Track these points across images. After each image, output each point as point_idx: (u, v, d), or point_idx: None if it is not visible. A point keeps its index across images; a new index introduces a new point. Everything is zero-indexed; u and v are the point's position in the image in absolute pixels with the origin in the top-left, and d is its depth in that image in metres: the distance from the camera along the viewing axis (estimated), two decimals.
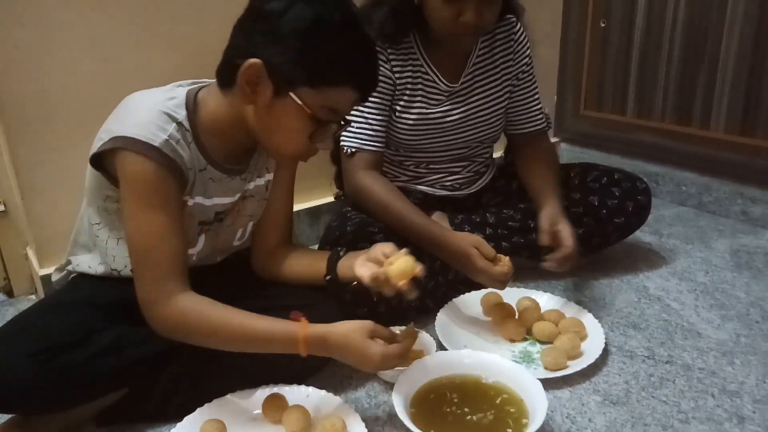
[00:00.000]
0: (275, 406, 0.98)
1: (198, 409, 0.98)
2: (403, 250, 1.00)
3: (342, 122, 0.99)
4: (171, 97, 0.97)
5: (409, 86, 1.37)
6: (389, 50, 1.33)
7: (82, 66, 1.35)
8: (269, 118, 0.94)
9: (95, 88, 1.37)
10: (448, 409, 0.98)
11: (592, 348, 1.16)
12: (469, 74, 1.40)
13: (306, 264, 1.13)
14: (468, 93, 1.42)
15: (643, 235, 1.70)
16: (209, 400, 1.00)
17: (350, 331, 0.93)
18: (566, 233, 1.25)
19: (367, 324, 0.94)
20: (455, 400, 0.99)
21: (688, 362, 1.17)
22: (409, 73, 1.36)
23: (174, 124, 0.93)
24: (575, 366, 1.11)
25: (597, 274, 1.51)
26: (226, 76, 0.94)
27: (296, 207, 1.72)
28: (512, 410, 0.97)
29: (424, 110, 1.39)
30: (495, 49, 1.43)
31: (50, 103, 1.34)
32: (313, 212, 1.79)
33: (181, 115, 0.95)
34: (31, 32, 1.29)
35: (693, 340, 1.24)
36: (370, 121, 1.34)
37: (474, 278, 1.20)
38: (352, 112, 1.33)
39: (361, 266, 1.01)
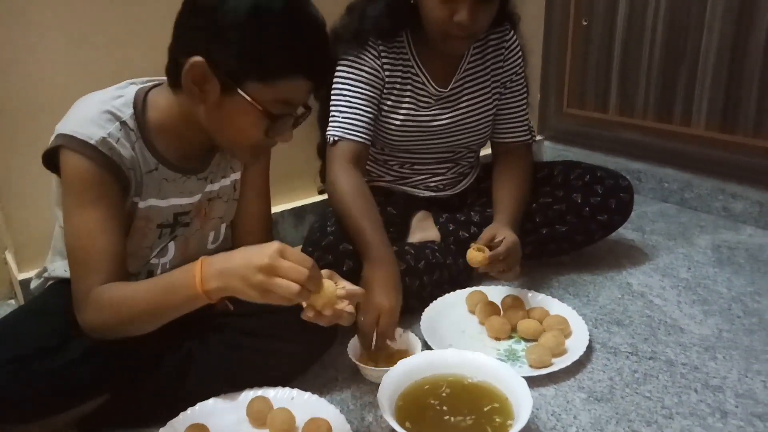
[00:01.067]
0: (260, 409, 0.97)
1: (181, 413, 0.97)
2: (325, 273, 0.91)
3: (304, 110, 0.97)
4: (118, 95, 0.95)
5: (398, 86, 1.36)
6: (381, 47, 1.33)
7: (62, 69, 1.33)
8: (221, 117, 0.91)
9: (76, 90, 1.32)
10: (433, 410, 0.98)
11: (576, 345, 1.17)
12: (459, 79, 1.40)
13: None
14: (457, 98, 1.41)
15: (626, 231, 1.71)
16: (192, 404, 0.99)
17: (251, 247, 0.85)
18: (506, 241, 1.22)
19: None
20: (441, 400, 0.99)
21: (671, 358, 1.17)
22: (399, 73, 1.36)
23: (116, 123, 0.92)
24: (560, 363, 1.12)
25: (581, 270, 1.52)
26: (173, 75, 0.92)
27: (279, 207, 1.73)
28: (498, 408, 0.97)
29: (412, 112, 1.38)
30: (486, 56, 1.42)
31: (30, 107, 1.31)
32: (297, 213, 1.78)
33: (126, 114, 0.93)
34: (11, 35, 1.26)
35: (676, 335, 1.25)
36: (357, 111, 1.32)
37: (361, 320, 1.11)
38: (339, 101, 1.33)
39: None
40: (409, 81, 1.37)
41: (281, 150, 1.17)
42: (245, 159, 1.03)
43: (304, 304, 0.87)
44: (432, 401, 0.99)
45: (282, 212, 1.74)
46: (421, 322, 1.24)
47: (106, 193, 0.91)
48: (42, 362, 0.89)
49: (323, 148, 1.42)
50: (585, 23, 2.14)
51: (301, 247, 1.42)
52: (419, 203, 1.51)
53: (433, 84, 1.38)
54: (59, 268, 1.05)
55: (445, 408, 0.98)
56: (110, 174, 0.91)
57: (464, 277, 1.44)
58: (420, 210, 1.51)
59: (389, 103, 1.37)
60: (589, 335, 1.19)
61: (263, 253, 0.81)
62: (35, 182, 1.35)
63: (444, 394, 1.01)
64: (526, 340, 1.22)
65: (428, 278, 1.34)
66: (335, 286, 0.89)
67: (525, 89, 1.49)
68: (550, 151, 2.32)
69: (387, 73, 1.34)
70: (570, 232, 1.47)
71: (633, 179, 1.96)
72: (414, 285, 1.30)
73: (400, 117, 1.38)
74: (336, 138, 1.30)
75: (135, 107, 0.95)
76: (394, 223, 1.42)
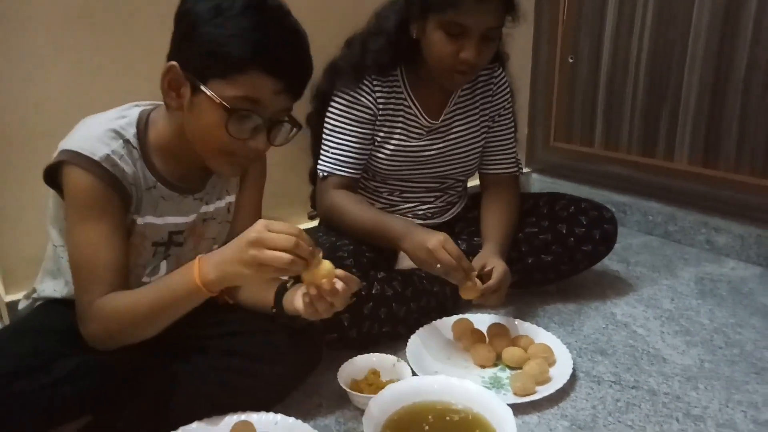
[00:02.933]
0: None
1: None
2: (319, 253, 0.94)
3: (289, 123, 0.97)
4: (122, 116, 0.99)
5: (390, 117, 1.40)
6: (375, 81, 1.36)
7: (53, 89, 1.35)
8: (192, 119, 0.93)
9: (73, 116, 1.35)
10: None
11: (560, 373, 1.18)
12: (449, 112, 1.44)
13: (258, 292, 1.10)
14: (447, 130, 1.45)
15: (611, 263, 1.73)
16: (175, 428, 0.98)
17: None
18: (496, 270, 1.25)
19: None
20: (426, 427, 0.99)
21: (653, 387, 1.18)
22: (392, 106, 1.39)
23: (120, 141, 0.95)
24: (543, 391, 1.12)
25: (566, 300, 1.54)
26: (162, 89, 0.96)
27: None
28: None
29: (403, 143, 1.42)
30: (476, 91, 1.47)
31: (20, 127, 1.33)
32: None
33: (130, 132, 0.97)
34: (8, 61, 1.29)
35: (658, 365, 1.26)
36: (347, 147, 1.37)
37: (432, 272, 1.22)
38: (330, 137, 1.36)
39: (299, 299, 0.99)
40: (401, 113, 1.40)
41: (271, 175, 1.20)
42: (222, 168, 1.00)
43: (305, 288, 0.92)
44: (418, 427, 0.99)
45: None
46: (407, 349, 1.24)
47: (109, 208, 0.93)
48: (24, 382, 0.88)
49: (314, 174, 1.45)
50: (571, 60, 2.21)
51: None
52: None
53: (425, 116, 1.41)
54: (48, 288, 1.06)
55: None
56: (113, 190, 0.93)
57: (451, 304, 1.45)
58: None
59: (381, 134, 1.40)
60: (573, 364, 1.20)
61: (250, 229, 0.86)
62: (24, 206, 1.36)
63: (430, 420, 1.01)
64: (511, 368, 1.22)
65: (415, 305, 1.35)
66: (331, 266, 0.92)
67: (512, 124, 1.53)
68: (537, 183, 2.36)
69: (381, 106, 1.38)
70: (555, 262, 1.49)
71: (618, 212, 2.00)
72: (401, 312, 1.31)
73: (391, 147, 1.41)
74: (325, 173, 1.36)
75: (138, 127, 0.98)
76: (382, 250, 1.44)
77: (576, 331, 1.40)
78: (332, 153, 1.36)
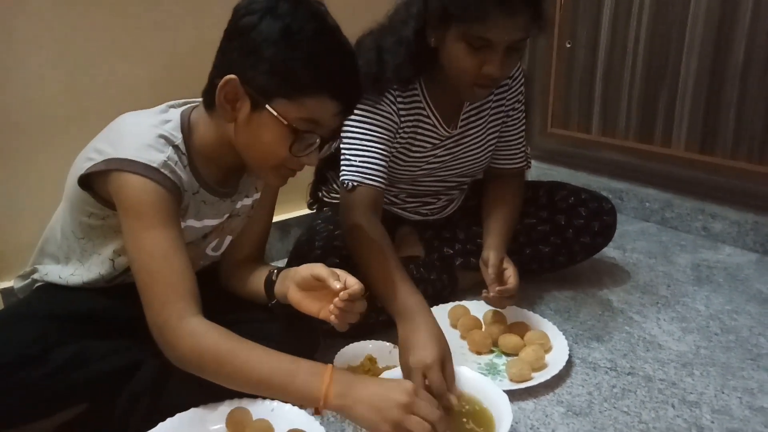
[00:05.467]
0: (239, 420, 0.97)
1: (160, 423, 0.96)
2: (325, 272, 0.95)
3: (331, 139, 0.98)
4: (166, 119, 0.97)
5: (408, 129, 1.32)
6: (396, 91, 1.27)
7: (48, 78, 1.34)
8: (249, 134, 0.93)
9: (62, 100, 1.36)
10: None
11: (556, 360, 1.18)
12: (464, 118, 1.37)
13: (256, 285, 1.10)
14: (462, 135, 1.38)
15: (607, 249, 1.72)
16: (171, 415, 0.98)
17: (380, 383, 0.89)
18: (511, 273, 1.25)
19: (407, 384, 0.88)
20: None
21: (649, 373, 1.19)
22: (412, 118, 1.31)
23: (171, 147, 0.93)
24: (539, 378, 1.13)
25: (562, 287, 1.54)
26: (210, 97, 0.94)
27: None
28: (478, 422, 0.97)
29: (420, 153, 1.36)
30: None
31: (16, 115, 1.32)
32: (283, 226, 1.79)
33: (178, 138, 0.95)
34: None
35: (654, 351, 1.26)
36: (374, 156, 1.26)
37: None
38: (355, 144, 1.27)
39: (295, 293, 1.00)
40: (420, 124, 1.33)
41: None
42: (271, 179, 1.01)
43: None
44: None
45: None
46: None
47: (173, 214, 0.92)
48: (23, 371, 0.88)
49: (320, 170, 1.41)
50: (568, 46, 2.19)
51: (287, 260, 1.43)
52: (405, 221, 1.52)
53: (444, 126, 1.34)
54: (53, 272, 1.05)
55: None
56: (173, 195, 0.92)
57: (448, 292, 1.45)
58: (405, 226, 1.52)
59: (398, 145, 1.34)
60: (569, 350, 1.21)
61: (402, 389, 0.86)
62: (16, 192, 1.35)
63: None
64: (507, 355, 1.22)
65: None
66: None
67: (524, 117, 1.47)
68: (534, 170, 2.34)
69: (402, 117, 1.29)
70: (553, 253, 1.48)
71: (615, 198, 2.00)
72: None
73: (408, 157, 1.35)
74: (354, 183, 1.24)
75: (183, 131, 0.97)
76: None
77: (572, 318, 1.40)
78: (359, 161, 1.25)
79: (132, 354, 0.97)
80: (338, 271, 0.96)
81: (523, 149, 1.49)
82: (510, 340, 1.22)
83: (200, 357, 0.88)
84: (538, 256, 1.48)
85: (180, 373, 0.96)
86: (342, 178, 1.26)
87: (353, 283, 0.93)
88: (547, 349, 1.22)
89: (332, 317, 0.95)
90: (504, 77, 1.24)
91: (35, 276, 1.08)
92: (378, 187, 1.26)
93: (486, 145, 1.43)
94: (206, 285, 1.07)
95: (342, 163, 1.27)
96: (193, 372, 0.90)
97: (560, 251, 1.48)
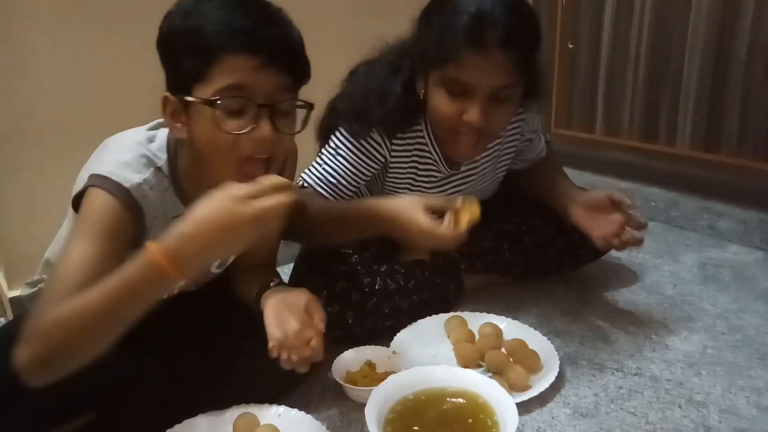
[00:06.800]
0: (246, 426, 0.98)
1: (168, 430, 0.97)
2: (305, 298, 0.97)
3: (278, 101, 0.87)
4: (152, 137, 0.94)
5: (405, 167, 1.30)
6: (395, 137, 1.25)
7: (55, 87, 1.35)
8: (196, 137, 0.88)
9: (69, 108, 1.37)
10: (421, 425, 0.98)
11: (542, 381, 1.11)
12: (471, 162, 1.34)
13: (253, 288, 1.08)
14: (468, 175, 1.37)
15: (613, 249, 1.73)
16: (179, 422, 0.99)
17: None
18: (618, 194, 1.20)
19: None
20: (429, 416, 1.00)
21: (656, 374, 1.18)
22: (415, 157, 1.29)
23: (152, 169, 0.91)
24: (518, 398, 1.04)
25: (568, 287, 1.53)
26: None
27: None
28: (483, 425, 0.98)
29: (422, 189, 1.34)
30: None
31: (23, 123, 1.34)
32: None
33: (162, 159, 0.93)
34: (2, 52, 1.28)
35: (661, 352, 1.26)
36: (339, 172, 1.25)
37: (419, 242, 1.09)
38: (326, 154, 1.26)
39: (272, 321, 0.96)
40: (422, 162, 1.31)
41: None
42: (239, 179, 0.90)
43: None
44: (420, 417, 0.99)
45: None
46: (392, 343, 1.23)
47: (120, 236, 0.87)
48: None
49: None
50: (571, 46, 2.19)
51: (293, 266, 1.42)
52: None
53: (446, 166, 1.31)
54: None
55: (432, 424, 0.98)
56: (133, 219, 0.88)
57: (453, 296, 1.45)
58: None
59: (397, 180, 1.31)
60: (575, 352, 1.20)
61: (230, 188, 0.75)
62: (27, 200, 1.36)
63: (432, 410, 1.01)
64: (493, 372, 1.16)
65: (418, 297, 1.34)
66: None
67: (539, 124, 1.46)
68: None
69: (394, 154, 1.27)
70: (558, 257, 1.48)
71: None
72: (404, 305, 1.31)
73: (414, 189, 1.33)
74: (306, 184, 1.26)
75: (168, 152, 0.94)
76: (383, 242, 1.43)
77: (578, 318, 1.40)
78: (322, 168, 1.25)
79: (137, 363, 0.97)
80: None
81: (542, 144, 1.48)
82: (496, 357, 1.17)
83: (49, 341, 0.76)
84: (544, 259, 1.48)
85: (188, 384, 0.95)
86: (301, 174, 1.26)
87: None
88: (535, 370, 1.15)
89: (285, 357, 0.92)
90: (492, 131, 1.17)
91: (42, 285, 1.09)
92: (327, 198, 1.25)
93: (495, 178, 1.42)
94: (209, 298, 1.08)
95: (312, 164, 1.28)
96: (49, 372, 0.77)
97: (566, 254, 1.48)
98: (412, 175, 1.33)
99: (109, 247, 0.84)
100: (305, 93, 0.94)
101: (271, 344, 0.93)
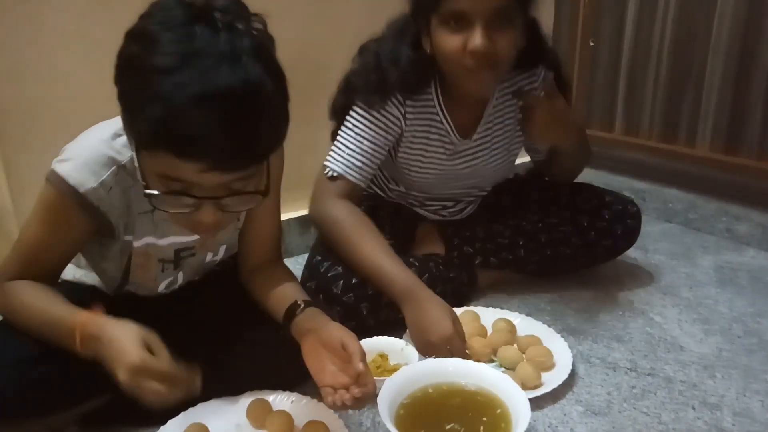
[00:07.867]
0: (259, 412, 0.99)
1: (182, 412, 0.98)
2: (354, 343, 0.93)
3: (257, 193, 0.84)
4: (120, 132, 0.89)
5: (419, 135, 1.32)
6: (403, 97, 1.27)
7: (75, 70, 1.36)
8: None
9: (88, 91, 1.38)
10: (433, 417, 0.98)
11: (553, 378, 1.12)
12: (483, 129, 1.35)
13: (274, 300, 1.06)
14: (480, 146, 1.37)
15: (629, 250, 1.71)
16: (193, 404, 1.00)
17: (125, 330, 0.85)
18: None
19: (144, 333, 0.85)
20: (441, 408, 1.00)
21: (669, 375, 1.18)
22: (426, 126, 1.31)
23: (113, 168, 0.90)
24: (529, 394, 1.03)
25: (583, 286, 1.53)
26: None
27: (285, 216, 1.74)
28: (495, 419, 0.98)
29: (434, 161, 1.35)
30: (514, 100, 1.36)
31: (43, 106, 1.35)
32: (303, 221, 1.80)
33: (126, 156, 0.90)
34: (25, 37, 1.30)
35: (675, 353, 1.25)
36: (363, 152, 1.27)
37: (426, 349, 1.11)
38: (348, 136, 1.27)
39: (311, 345, 0.95)
40: (435, 133, 1.33)
41: (288, 159, 1.20)
42: (198, 232, 0.94)
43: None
44: (432, 409, 1.00)
45: (288, 220, 1.75)
46: (404, 336, 1.22)
47: (66, 227, 0.93)
48: (46, 364, 0.91)
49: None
50: (592, 44, 2.17)
51: (306, 258, 1.42)
52: (425, 219, 1.53)
53: (457, 135, 1.33)
54: (68, 271, 1.07)
55: (444, 416, 0.98)
56: (87, 215, 0.91)
57: (467, 290, 1.45)
58: (425, 223, 1.53)
59: (409, 151, 1.33)
60: (588, 350, 1.20)
61: (124, 364, 0.82)
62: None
63: (444, 403, 1.01)
64: (505, 368, 1.16)
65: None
66: None
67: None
68: None
69: (408, 124, 1.29)
70: (574, 255, 1.47)
71: (637, 199, 1.96)
72: None
73: (420, 165, 1.36)
74: (335, 174, 1.26)
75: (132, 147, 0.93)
76: (398, 235, 1.44)
77: (593, 318, 1.39)
78: (347, 153, 1.27)
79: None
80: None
81: None
82: (509, 352, 1.17)
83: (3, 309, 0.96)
84: (559, 258, 1.48)
85: (209, 374, 0.95)
86: (326, 163, 1.28)
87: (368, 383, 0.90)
88: (547, 368, 1.15)
89: (339, 402, 0.90)
90: (499, 58, 1.15)
91: None
92: (357, 183, 1.28)
93: (508, 156, 1.42)
94: (213, 290, 1.09)
95: (331, 149, 1.29)
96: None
97: (581, 253, 1.47)
98: (423, 146, 1.33)
99: (53, 234, 0.94)
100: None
101: (324, 394, 0.91)
